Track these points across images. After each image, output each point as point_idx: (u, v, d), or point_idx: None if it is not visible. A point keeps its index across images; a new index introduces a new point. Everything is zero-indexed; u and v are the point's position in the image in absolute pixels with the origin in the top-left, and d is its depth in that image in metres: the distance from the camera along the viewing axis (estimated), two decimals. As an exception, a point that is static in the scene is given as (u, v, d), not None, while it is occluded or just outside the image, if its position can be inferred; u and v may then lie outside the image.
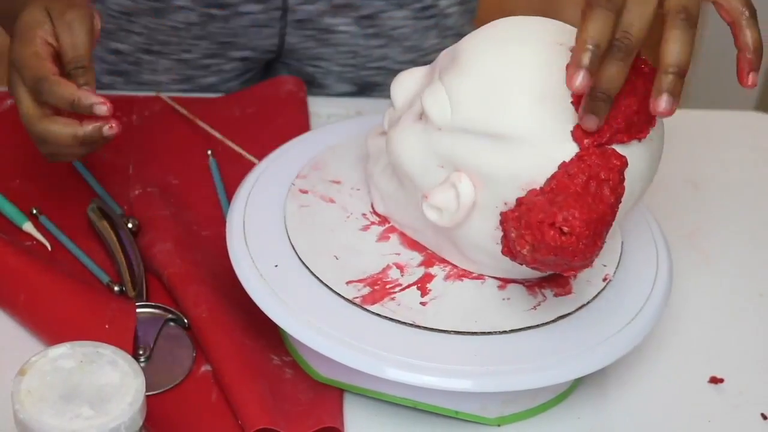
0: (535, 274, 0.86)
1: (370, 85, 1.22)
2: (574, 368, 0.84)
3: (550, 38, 0.81)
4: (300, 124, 1.13)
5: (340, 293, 0.84)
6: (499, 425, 0.88)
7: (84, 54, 0.89)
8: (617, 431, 0.90)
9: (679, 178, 1.12)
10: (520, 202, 0.79)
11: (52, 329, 0.91)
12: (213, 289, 0.94)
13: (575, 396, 0.91)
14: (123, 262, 0.97)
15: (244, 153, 1.08)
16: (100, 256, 0.99)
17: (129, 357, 0.76)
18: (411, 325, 0.83)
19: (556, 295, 0.87)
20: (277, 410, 0.86)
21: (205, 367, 0.91)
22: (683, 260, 1.02)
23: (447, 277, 0.87)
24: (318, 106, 1.17)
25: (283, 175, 0.95)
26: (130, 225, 1.00)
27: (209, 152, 1.09)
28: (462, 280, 0.87)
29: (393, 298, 0.85)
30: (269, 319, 0.85)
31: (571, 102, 0.78)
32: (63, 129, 0.89)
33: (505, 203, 0.81)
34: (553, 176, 0.78)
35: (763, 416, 0.92)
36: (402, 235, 0.90)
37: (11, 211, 1.01)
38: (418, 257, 0.88)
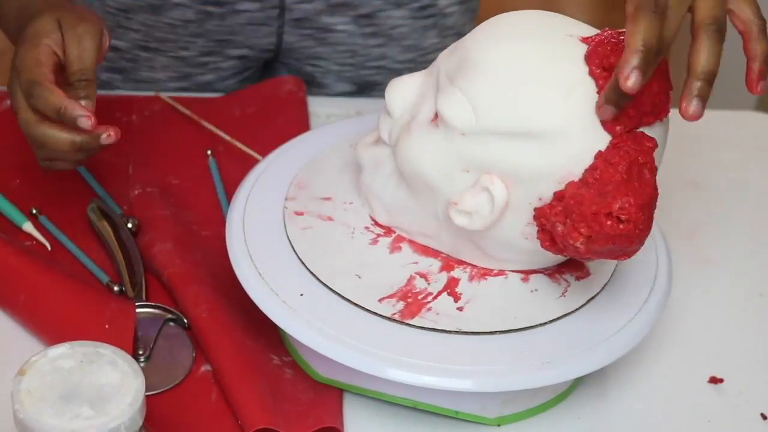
0: (557, 260, 0.87)
1: (370, 85, 1.22)
2: (574, 368, 0.84)
3: (558, 31, 0.82)
4: (300, 124, 1.12)
5: (378, 312, 0.84)
6: (499, 425, 0.88)
7: (89, 67, 0.90)
8: (617, 431, 0.90)
9: (679, 178, 1.12)
10: (560, 195, 0.80)
11: (52, 329, 0.91)
12: (213, 289, 0.94)
13: (575, 396, 0.91)
14: (123, 262, 0.97)
15: (246, 149, 1.08)
16: (100, 256, 0.99)
17: (129, 357, 0.76)
18: (457, 332, 0.83)
19: (577, 278, 0.88)
20: (277, 410, 0.86)
21: (205, 367, 0.91)
22: (683, 260, 1.02)
23: (471, 279, 0.87)
24: (318, 106, 1.17)
25: (283, 175, 0.95)
26: (130, 225, 1.00)
27: (209, 152, 1.09)
28: (486, 279, 0.87)
29: (429, 309, 0.85)
30: (269, 319, 0.85)
31: (597, 92, 0.79)
32: (61, 134, 0.89)
33: (540, 199, 0.81)
34: (592, 167, 0.79)
35: (763, 416, 0.92)
36: (412, 243, 0.89)
37: (11, 211, 1.01)
38: (436, 263, 0.88)
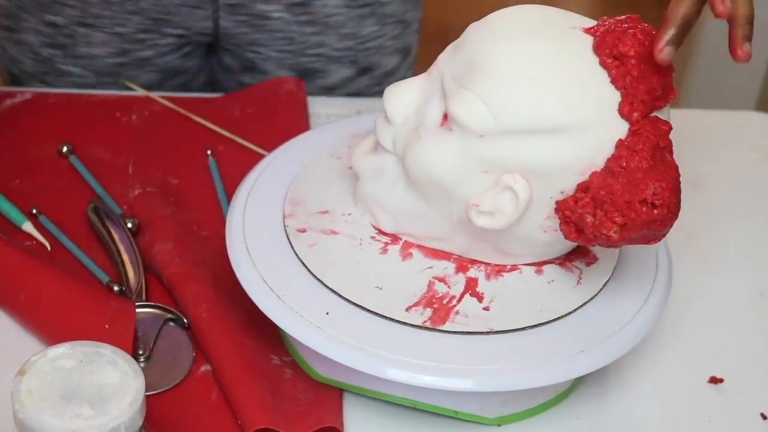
0: (567, 249, 0.88)
1: (311, 71, 1.22)
2: (574, 368, 0.84)
3: (561, 24, 0.83)
4: (300, 124, 1.13)
5: (408, 322, 0.84)
6: (499, 425, 0.88)
7: None
8: (617, 431, 0.90)
9: (679, 178, 1.12)
10: (584, 187, 0.81)
11: (52, 329, 0.91)
12: (213, 289, 0.94)
13: (575, 396, 0.91)
14: (123, 262, 0.97)
15: (248, 144, 1.08)
16: (100, 256, 0.99)
17: (129, 357, 0.76)
18: (489, 333, 0.84)
19: (587, 265, 0.89)
20: (276, 410, 0.86)
21: (205, 367, 0.91)
22: (683, 260, 1.02)
23: (488, 277, 0.88)
24: (318, 106, 1.17)
25: (283, 175, 0.95)
26: (130, 225, 1.00)
27: (209, 152, 1.09)
28: (502, 276, 0.88)
29: (457, 312, 0.85)
30: (269, 319, 0.85)
31: (610, 81, 0.80)
32: None
33: (562, 192, 0.82)
34: (616, 155, 0.80)
35: (763, 416, 0.92)
36: (421, 247, 0.89)
37: (11, 211, 1.01)
38: (450, 265, 0.88)
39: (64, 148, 1.08)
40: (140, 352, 0.91)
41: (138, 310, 0.93)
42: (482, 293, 0.86)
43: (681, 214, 1.04)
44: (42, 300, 0.92)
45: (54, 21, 1.17)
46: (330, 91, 1.23)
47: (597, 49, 0.81)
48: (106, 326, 0.90)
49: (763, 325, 1.00)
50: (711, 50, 2.27)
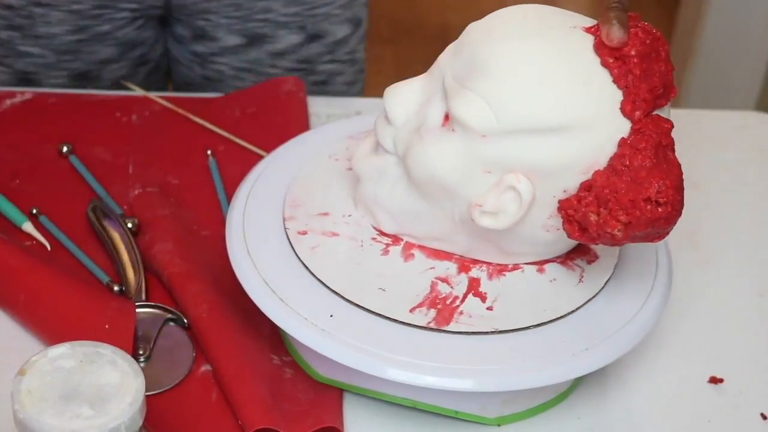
0: (568, 248, 0.89)
1: (260, 37, 1.23)
2: (574, 368, 0.84)
3: (560, 23, 0.83)
4: (300, 124, 1.13)
5: (412, 323, 0.84)
6: (499, 425, 0.88)
7: None
8: (617, 431, 0.90)
9: (679, 178, 1.12)
10: (588, 185, 0.81)
11: (52, 329, 0.91)
12: (213, 289, 0.94)
13: (575, 396, 0.91)
14: (123, 262, 0.97)
15: (247, 145, 1.08)
16: (100, 256, 0.99)
17: (129, 357, 0.76)
18: (494, 332, 0.84)
19: (588, 263, 0.89)
20: (276, 410, 0.86)
21: (205, 367, 0.91)
22: (683, 260, 1.02)
23: (490, 277, 0.88)
24: (318, 106, 1.17)
25: (283, 175, 0.95)
26: (130, 225, 1.00)
27: (209, 152, 1.09)
28: (504, 275, 0.88)
29: (461, 312, 0.85)
30: (269, 319, 0.85)
31: (612, 81, 0.80)
32: None
33: (565, 191, 0.82)
34: (619, 154, 0.80)
35: (763, 416, 0.92)
36: (422, 248, 0.89)
37: (11, 211, 1.01)
38: (452, 266, 0.88)
39: (64, 148, 1.08)
40: (140, 352, 0.91)
41: (138, 310, 0.93)
42: (485, 293, 0.86)
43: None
44: (42, 300, 0.92)
45: (10, 3, 1.17)
46: (280, 56, 1.24)
47: (598, 48, 0.81)
48: (106, 326, 0.90)
49: (763, 325, 1.00)
50: (711, 50, 2.27)
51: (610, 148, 0.81)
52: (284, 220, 0.90)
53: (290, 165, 0.96)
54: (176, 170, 1.08)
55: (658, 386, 0.93)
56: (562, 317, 0.86)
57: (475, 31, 0.85)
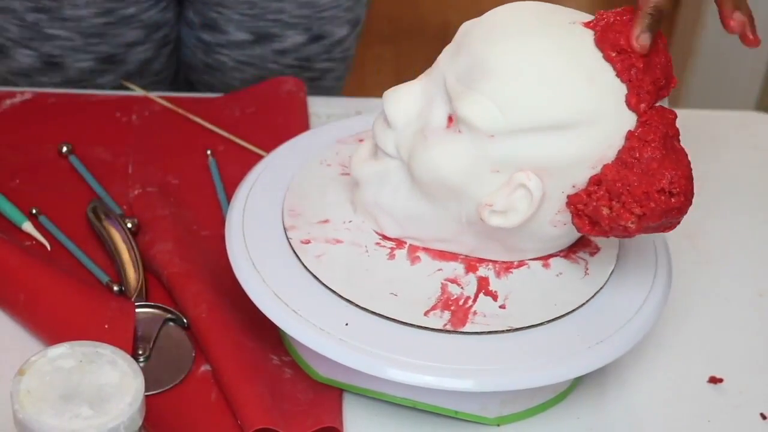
0: (572, 242, 0.89)
1: (269, 36, 1.24)
2: (574, 367, 0.84)
3: (560, 20, 0.83)
4: (300, 124, 1.13)
5: (428, 326, 0.84)
6: (498, 425, 0.88)
7: None
8: (617, 431, 0.90)
9: (679, 178, 1.12)
10: (597, 180, 0.82)
11: (51, 329, 0.91)
12: (213, 289, 0.94)
13: (575, 396, 0.91)
14: (123, 262, 0.97)
15: (247, 145, 1.08)
16: (100, 256, 0.99)
17: (128, 357, 0.76)
18: (509, 330, 0.84)
19: (591, 254, 0.90)
20: (276, 410, 0.86)
21: (205, 367, 0.91)
22: (683, 260, 1.02)
23: (498, 275, 0.88)
24: (318, 106, 1.17)
25: (283, 175, 0.95)
26: (130, 225, 1.00)
27: (209, 152, 1.09)
28: (511, 272, 0.88)
29: (475, 313, 0.85)
30: (269, 319, 0.85)
31: (615, 75, 0.81)
32: None
33: (574, 186, 0.82)
34: (628, 147, 0.81)
35: (763, 416, 0.92)
36: (427, 250, 0.89)
37: (11, 211, 1.01)
38: (458, 266, 0.88)
39: (64, 148, 1.08)
40: (140, 352, 0.91)
41: (138, 310, 0.93)
42: (495, 291, 0.86)
43: (681, 213, 1.04)
44: (42, 300, 0.92)
45: None
46: (282, 54, 1.25)
47: (599, 43, 0.81)
48: (106, 326, 0.90)
49: (763, 325, 1.00)
50: (711, 50, 2.27)
51: (618, 142, 0.81)
52: (285, 229, 0.90)
53: (290, 165, 0.96)
54: (176, 170, 1.08)
55: (657, 386, 0.93)
56: (573, 311, 0.86)
57: (474, 30, 0.84)
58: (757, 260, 1.06)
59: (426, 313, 0.84)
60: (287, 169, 0.96)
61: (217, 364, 0.89)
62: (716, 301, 1.01)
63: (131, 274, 0.96)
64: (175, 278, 0.95)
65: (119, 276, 0.96)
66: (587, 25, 0.82)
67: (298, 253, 0.88)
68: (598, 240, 0.91)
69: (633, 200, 0.81)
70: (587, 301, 0.87)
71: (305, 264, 0.87)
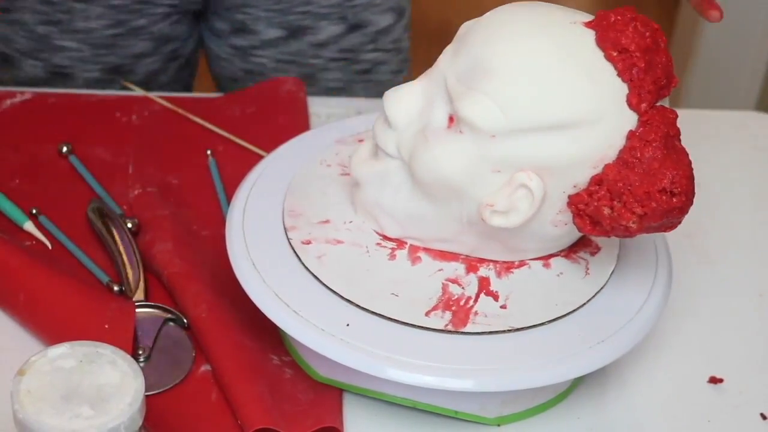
0: (572, 241, 0.89)
1: (301, 29, 1.24)
2: (574, 368, 0.84)
3: (560, 20, 0.83)
4: (300, 124, 1.13)
5: (429, 326, 0.84)
6: (498, 425, 0.88)
7: None
8: (617, 431, 0.90)
9: (679, 178, 1.12)
10: (598, 179, 0.82)
11: (51, 329, 0.91)
12: (213, 289, 0.94)
13: (575, 396, 0.91)
14: (123, 262, 0.97)
15: (247, 145, 1.08)
16: (100, 256, 0.99)
17: (128, 357, 0.76)
18: (509, 331, 0.84)
19: (591, 254, 0.90)
20: (276, 410, 0.86)
21: (205, 367, 0.91)
22: (683, 260, 1.02)
23: (498, 275, 0.88)
24: (318, 106, 1.17)
25: (283, 175, 0.95)
26: (130, 225, 1.00)
27: (209, 152, 1.09)
28: (512, 272, 0.88)
29: (476, 313, 0.85)
30: (269, 319, 0.85)
31: (617, 74, 0.81)
32: None
33: (575, 186, 0.82)
34: (629, 147, 0.81)
35: (763, 416, 0.92)
36: (428, 250, 0.89)
37: (11, 211, 1.01)
38: (459, 266, 0.88)
39: (64, 148, 1.08)
40: (140, 352, 0.91)
41: (138, 310, 0.93)
42: (496, 292, 0.86)
43: (681, 214, 1.04)
44: (42, 300, 0.92)
45: None
46: (321, 47, 1.24)
47: (600, 42, 0.81)
48: (106, 326, 0.90)
49: (763, 325, 1.00)
50: (711, 50, 2.27)
51: (619, 142, 0.81)
52: (286, 230, 0.90)
53: (290, 165, 0.96)
54: (176, 170, 1.08)
55: (658, 386, 0.93)
56: (574, 311, 0.86)
57: (475, 30, 0.84)
58: (757, 260, 1.06)
59: (427, 314, 0.84)
60: (287, 169, 0.96)
61: (217, 364, 0.89)
62: (716, 301, 1.01)
63: (131, 274, 0.96)
64: (175, 278, 0.95)
65: (119, 276, 0.96)
66: (588, 24, 0.82)
67: (298, 254, 0.88)
68: (599, 240, 0.91)
69: (634, 200, 0.81)
70: (588, 301, 0.87)
71: (306, 264, 0.87)
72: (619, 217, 0.81)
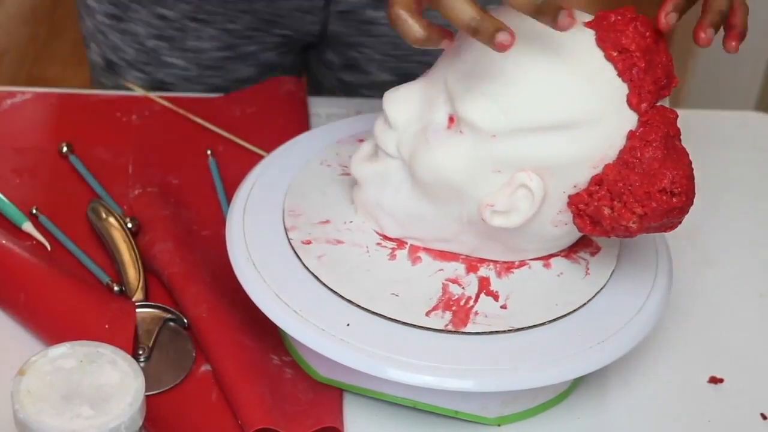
0: (572, 242, 0.89)
1: (413, 77, 1.22)
2: (574, 368, 0.84)
3: None
4: (300, 124, 1.12)
5: (429, 326, 0.84)
6: (499, 425, 0.88)
7: None
8: (617, 431, 0.90)
9: (679, 178, 1.12)
10: (599, 180, 0.82)
11: (52, 329, 0.91)
12: (213, 289, 0.94)
13: (575, 396, 0.91)
14: (123, 262, 0.97)
15: (247, 145, 1.08)
16: (100, 256, 0.99)
17: (129, 357, 0.76)
18: (510, 331, 0.84)
19: (591, 254, 0.90)
20: (277, 410, 0.86)
21: (205, 367, 0.91)
22: (683, 260, 1.02)
23: (499, 275, 0.88)
24: (318, 106, 1.17)
25: (283, 175, 0.95)
26: (130, 225, 1.00)
27: (209, 152, 1.09)
28: (512, 272, 0.88)
29: (476, 313, 0.85)
30: (269, 319, 0.85)
31: (617, 74, 0.81)
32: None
33: (575, 186, 0.83)
34: (629, 147, 0.81)
35: (763, 416, 0.92)
36: (428, 250, 0.89)
37: (11, 211, 1.01)
38: (459, 266, 0.88)
39: (64, 148, 1.08)
40: (140, 352, 0.91)
41: (138, 310, 0.93)
42: (497, 292, 0.86)
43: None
44: (42, 300, 0.92)
45: (165, 14, 1.17)
46: None
47: (600, 42, 0.81)
48: (106, 326, 0.90)
49: (763, 325, 1.00)
50: (711, 50, 2.26)
51: (620, 142, 0.81)
52: (286, 230, 0.90)
53: (290, 165, 0.96)
54: (176, 170, 1.08)
55: (658, 386, 0.93)
56: (574, 311, 0.86)
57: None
58: (758, 260, 1.06)
59: (427, 314, 0.84)
60: (287, 169, 0.96)
61: (218, 364, 0.89)
62: (716, 301, 1.01)
63: (131, 274, 0.96)
64: (176, 278, 0.95)
65: (119, 276, 0.96)
66: (588, 24, 0.82)
67: (299, 254, 0.88)
68: (599, 240, 0.91)
69: (634, 200, 0.81)
70: (588, 302, 0.87)
71: (306, 265, 0.87)
72: (619, 217, 0.81)
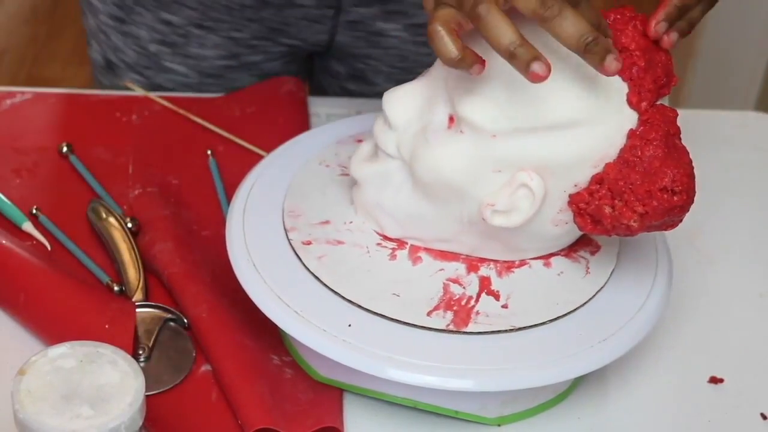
0: (572, 241, 0.89)
1: None
2: (574, 367, 0.84)
3: None
4: (300, 124, 1.12)
5: (431, 326, 0.84)
6: (499, 425, 0.88)
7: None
8: (617, 431, 0.90)
9: (679, 178, 1.12)
10: (599, 179, 0.82)
11: (52, 329, 0.91)
12: (213, 289, 0.94)
13: (575, 396, 0.91)
14: (123, 262, 0.97)
15: (247, 145, 1.08)
16: (100, 256, 0.99)
17: (129, 357, 0.76)
18: (511, 330, 0.84)
19: (591, 254, 0.90)
20: (277, 410, 0.86)
21: (205, 367, 0.91)
22: (683, 260, 1.02)
23: (499, 274, 0.88)
24: (318, 106, 1.17)
25: (283, 175, 0.95)
26: (130, 225, 1.00)
27: (209, 152, 1.09)
28: (513, 272, 0.88)
29: (478, 313, 0.85)
30: (269, 319, 0.85)
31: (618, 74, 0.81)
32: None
33: (576, 185, 0.83)
34: (630, 145, 0.81)
35: (763, 416, 0.92)
36: (428, 250, 0.89)
37: (11, 211, 1.01)
38: (460, 266, 0.88)
39: (64, 148, 1.08)
40: (140, 352, 0.91)
41: (138, 310, 0.93)
42: (497, 291, 0.86)
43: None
44: (42, 300, 0.92)
45: (169, 20, 1.17)
46: None
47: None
48: (106, 326, 0.90)
49: (763, 325, 1.00)
50: (711, 50, 2.27)
51: (620, 140, 0.82)
52: (286, 231, 0.90)
53: (290, 165, 0.96)
54: (176, 170, 1.08)
55: (658, 386, 0.93)
56: (574, 310, 0.86)
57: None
58: (758, 260, 1.06)
59: (429, 314, 0.84)
60: (287, 169, 0.96)
61: (218, 364, 0.89)
62: (716, 301, 1.01)
63: (131, 274, 0.96)
64: (176, 278, 0.95)
65: (119, 276, 0.96)
66: None
67: (299, 255, 0.88)
68: (599, 239, 0.91)
69: (635, 199, 0.81)
70: (588, 301, 0.87)
71: (307, 265, 0.87)
72: (620, 215, 0.81)
